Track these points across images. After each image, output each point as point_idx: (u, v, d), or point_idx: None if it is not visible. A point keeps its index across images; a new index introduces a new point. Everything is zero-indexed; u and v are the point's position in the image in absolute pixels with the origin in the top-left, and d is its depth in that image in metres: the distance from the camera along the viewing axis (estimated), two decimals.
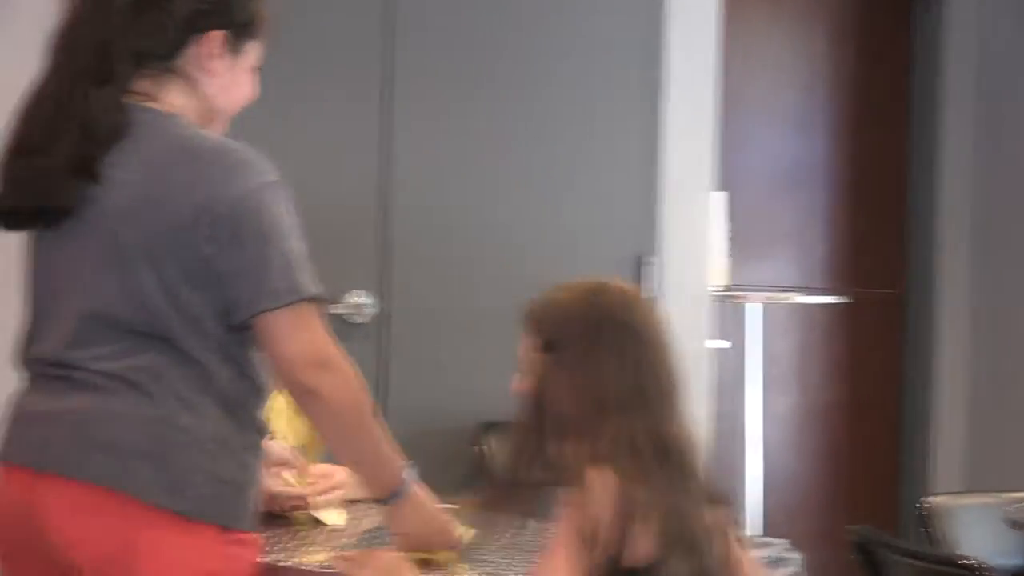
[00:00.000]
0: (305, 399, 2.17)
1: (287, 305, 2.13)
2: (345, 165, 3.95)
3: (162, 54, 2.22)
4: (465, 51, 4.11)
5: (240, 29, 2.29)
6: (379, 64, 3.98)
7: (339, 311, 3.89)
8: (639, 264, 4.33)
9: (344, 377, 2.18)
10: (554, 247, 4.23)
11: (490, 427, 4.02)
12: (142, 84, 2.22)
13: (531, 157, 4.22)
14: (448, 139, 4.10)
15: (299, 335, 2.14)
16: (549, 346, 2.21)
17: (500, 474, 2.30)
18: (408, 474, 2.31)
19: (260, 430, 2.24)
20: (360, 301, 3.93)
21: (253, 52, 2.33)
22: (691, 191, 4.50)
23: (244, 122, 3.69)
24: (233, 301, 2.14)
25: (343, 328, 3.89)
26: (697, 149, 4.52)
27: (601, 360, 2.16)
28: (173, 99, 2.24)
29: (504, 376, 4.03)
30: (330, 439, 2.28)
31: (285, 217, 2.17)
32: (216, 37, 2.25)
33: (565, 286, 2.27)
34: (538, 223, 4.22)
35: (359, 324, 3.93)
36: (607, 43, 4.31)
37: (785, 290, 5.28)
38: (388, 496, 2.29)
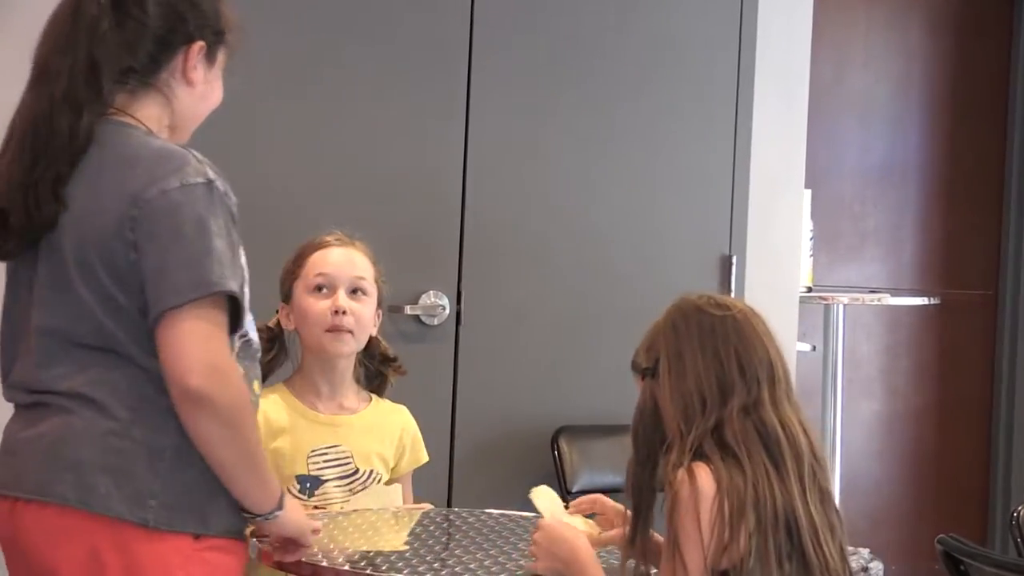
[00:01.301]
0: (194, 406, 2.10)
1: (190, 303, 2.09)
2: (424, 168, 3.92)
3: (141, 68, 2.25)
4: (548, 48, 4.06)
5: (216, 38, 2.32)
6: (463, 63, 3.94)
7: (414, 312, 3.87)
8: (725, 263, 4.27)
9: (235, 383, 2.13)
10: (638, 248, 4.18)
11: (564, 431, 4.00)
12: (119, 99, 2.24)
13: (614, 155, 4.16)
14: (528, 139, 4.05)
15: (195, 337, 2.09)
16: (648, 371, 2.28)
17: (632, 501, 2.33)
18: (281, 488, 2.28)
19: None
20: (436, 302, 3.89)
21: (223, 59, 2.36)
22: (778, 189, 4.44)
23: (331, 124, 3.75)
24: (147, 303, 2.13)
25: (418, 329, 3.88)
26: (786, 146, 4.46)
27: (689, 361, 2.23)
28: (144, 111, 2.26)
29: (579, 380, 4.06)
30: (215, 451, 2.15)
31: (208, 218, 2.14)
32: (196, 49, 2.28)
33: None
34: (621, 223, 4.16)
35: (434, 326, 3.90)
36: (695, 37, 4.25)
37: (872, 291, 5.20)
38: (272, 509, 2.23)
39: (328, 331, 2.86)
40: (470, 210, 3.95)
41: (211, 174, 2.18)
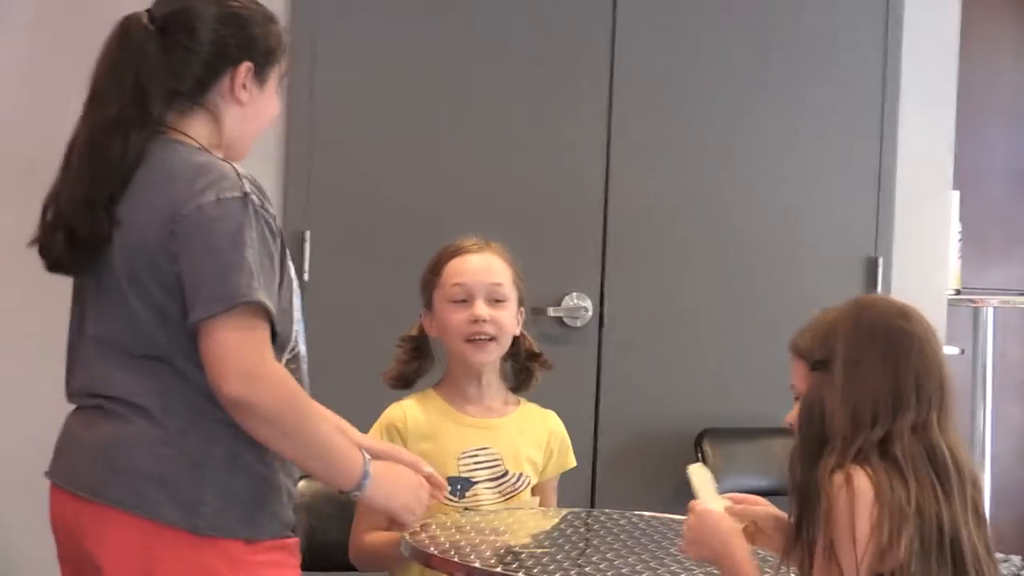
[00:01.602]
0: (237, 412, 2.17)
1: (222, 313, 2.15)
2: (567, 170, 3.94)
3: (187, 91, 2.31)
4: (691, 48, 4.06)
5: (266, 58, 2.36)
6: (604, 69, 3.96)
7: (557, 314, 3.88)
8: (870, 266, 4.23)
9: (273, 384, 2.18)
10: (781, 250, 4.16)
11: (708, 434, 3.98)
12: (169, 118, 2.31)
13: (758, 157, 4.14)
14: (670, 142, 4.05)
15: (228, 346, 2.15)
16: (819, 365, 2.23)
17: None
18: (367, 458, 2.32)
19: None
20: (579, 304, 3.91)
21: (276, 75, 2.39)
22: (925, 191, 4.38)
23: (476, 130, 3.79)
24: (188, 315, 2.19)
25: (560, 331, 3.90)
26: (932, 148, 4.39)
27: (868, 370, 2.19)
28: (194, 129, 2.32)
29: (722, 382, 4.05)
30: (274, 447, 2.24)
31: (242, 231, 2.19)
32: (243, 70, 2.33)
33: (828, 308, 2.29)
34: (765, 225, 4.14)
35: (577, 328, 3.91)
36: (839, 39, 4.22)
37: (1021, 293, 5.10)
38: (354, 487, 2.30)
39: (468, 341, 2.88)
40: (613, 212, 3.96)
41: (247, 187, 2.22)
